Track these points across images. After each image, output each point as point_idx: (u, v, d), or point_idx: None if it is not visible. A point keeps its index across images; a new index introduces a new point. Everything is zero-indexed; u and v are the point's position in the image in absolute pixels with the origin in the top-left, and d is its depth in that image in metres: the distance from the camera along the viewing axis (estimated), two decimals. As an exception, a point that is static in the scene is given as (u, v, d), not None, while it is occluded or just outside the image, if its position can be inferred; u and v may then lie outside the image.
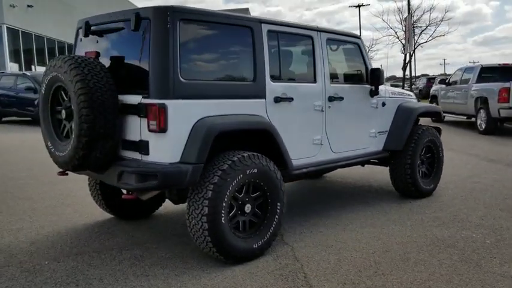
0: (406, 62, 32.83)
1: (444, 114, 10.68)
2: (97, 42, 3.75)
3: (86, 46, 3.80)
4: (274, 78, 3.84)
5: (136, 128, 3.30)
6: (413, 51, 33.10)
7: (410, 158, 5.05)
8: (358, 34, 5.03)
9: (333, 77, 4.50)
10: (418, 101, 6.29)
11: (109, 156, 3.36)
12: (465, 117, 13.28)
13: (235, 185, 3.33)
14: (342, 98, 4.43)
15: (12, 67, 21.21)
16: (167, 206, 4.62)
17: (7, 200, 5.34)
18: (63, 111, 3.43)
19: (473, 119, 12.38)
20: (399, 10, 38.54)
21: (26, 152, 8.85)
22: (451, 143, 9.30)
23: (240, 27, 3.66)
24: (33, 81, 13.65)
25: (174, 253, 3.67)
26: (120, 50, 3.66)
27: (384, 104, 5.02)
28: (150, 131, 3.20)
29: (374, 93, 4.81)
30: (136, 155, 3.35)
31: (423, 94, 26.00)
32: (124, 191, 3.92)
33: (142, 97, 3.23)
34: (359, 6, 44.01)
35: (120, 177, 3.26)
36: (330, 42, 4.45)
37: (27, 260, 3.54)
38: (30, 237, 4.06)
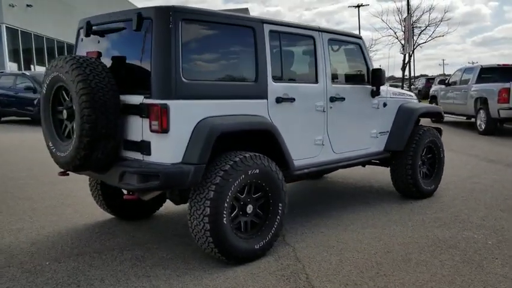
0: (406, 62, 32.86)
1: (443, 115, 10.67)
2: (98, 42, 3.74)
3: (87, 46, 3.79)
4: (276, 78, 3.84)
5: (138, 128, 3.29)
6: (413, 51, 33.14)
7: (412, 159, 5.05)
8: (360, 34, 5.02)
9: (335, 78, 4.49)
10: (419, 101, 6.28)
11: (110, 157, 3.35)
12: (465, 118, 13.30)
13: (237, 186, 3.32)
14: (343, 99, 4.43)
15: (11, 67, 21.18)
16: (168, 206, 4.61)
17: (7, 200, 5.32)
18: (65, 111, 3.42)
19: (473, 120, 12.39)
20: (398, 10, 38.69)
21: (25, 152, 8.83)
22: (450, 144, 9.30)
23: (242, 28, 3.65)
24: (33, 81, 13.63)
25: (176, 254, 3.66)
26: (122, 50, 3.65)
27: (385, 105, 5.02)
28: (152, 131, 3.19)
29: (375, 93, 4.81)
30: (137, 156, 3.34)
31: (422, 94, 25.98)
32: (125, 191, 3.91)
33: (144, 97, 3.22)
34: (358, 6, 44.05)
35: (122, 177, 3.25)
36: (331, 42, 4.44)
37: (28, 261, 3.53)
38: (30, 238, 4.05)
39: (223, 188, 3.23)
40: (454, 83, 13.83)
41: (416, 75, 45.75)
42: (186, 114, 3.25)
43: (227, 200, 3.27)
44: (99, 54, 3.51)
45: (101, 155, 3.28)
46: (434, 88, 16.26)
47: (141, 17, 3.27)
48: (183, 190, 3.62)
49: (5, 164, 7.61)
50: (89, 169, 3.44)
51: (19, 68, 21.58)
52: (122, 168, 3.27)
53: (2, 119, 14.75)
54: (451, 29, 56.51)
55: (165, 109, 3.13)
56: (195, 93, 3.31)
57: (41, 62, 24.40)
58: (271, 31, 3.83)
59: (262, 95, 3.73)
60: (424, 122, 5.71)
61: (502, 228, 4.22)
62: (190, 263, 3.47)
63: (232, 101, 3.54)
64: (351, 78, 4.84)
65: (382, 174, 6.21)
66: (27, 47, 23.44)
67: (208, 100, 3.38)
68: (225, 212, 3.26)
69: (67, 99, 3.43)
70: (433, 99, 15.46)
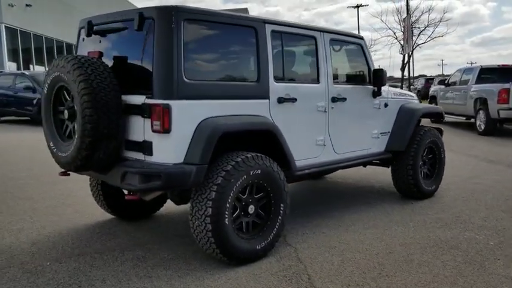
0: (405, 62, 32.90)
1: (444, 115, 10.66)
2: (100, 42, 3.73)
3: (89, 46, 3.78)
4: (277, 78, 3.83)
5: (140, 128, 3.28)
6: (412, 51, 33.16)
7: (413, 159, 5.04)
8: (361, 35, 5.01)
9: (336, 78, 4.48)
10: (420, 101, 6.28)
11: (112, 157, 3.34)
12: (464, 118, 13.30)
13: (238, 186, 3.31)
14: (344, 99, 4.42)
15: (10, 66, 21.14)
16: (168, 206, 4.60)
17: (7, 200, 5.31)
18: (66, 112, 3.41)
19: (472, 120, 12.40)
20: (398, 11, 38.68)
21: (25, 152, 8.81)
22: (450, 144, 9.29)
23: (243, 28, 3.65)
24: (32, 81, 13.60)
25: (177, 254, 3.65)
26: (123, 50, 3.63)
27: (386, 105, 5.01)
28: (153, 131, 3.18)
29: (377, 94, 4.80)
30: (139, 156, 3.33)
31: (422, 95, 25.99)
32: (126, 192, 3.90)
33: (146, 97, 3.21)
34: (357, 6, 44.06)
35: (124, 177, 3.24)
36: (333, 42, 4.44)
37: (29, 261, 3.52)
38: (31, 238, 4.03)
39: (225, 188, 3.22)
40: (454, 83, 13.84)
41: (415, 75, 45.80)
42: (188, 114, 3.24)
43: (229, 201, 3.26)
44: (101, 54, 3.50)
45: (103, 155, 3.27)
46: (434, 88, 16.27)
47: (143, 16, 3.26)
48: (184, 190, 3.61)
49: (4, 164, 7.59)
50: (90, 169, 3.43)
51: (18, 68, 21.55)
52: (124, 169, 3.25)
53: (1, 118, 14.72)
54: (450, 29, 56.34)
55: (167, 109, 3.12)
56: (197, 93, 3.30)
57: (40, 62, 24.36)
58: (273, 31, 3.82)
59: (264, 95, 3.72)
60: (424, 122, 5.70)
61: (503, 228, 4.22)
62: (191, 264, 3.46)
63: (234, 101, 3.53)
64: (352, 79, 4.84)
65: (382, 175, 6.20)
66: (26, 47, 23.40)
67: (210, 100, 3.37)
68: (226, 213, 3.25)
69: (68, 99, 3.42)
70: (433, 99, 15.47)
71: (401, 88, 28.66)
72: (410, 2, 32.63)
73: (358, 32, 42.58)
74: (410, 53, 31.87)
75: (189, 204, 3.42)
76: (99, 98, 3.14)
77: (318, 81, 4.22)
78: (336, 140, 4.38)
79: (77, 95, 3.17)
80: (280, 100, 3.81)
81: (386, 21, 52.35)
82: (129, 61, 3.54)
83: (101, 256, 3.61)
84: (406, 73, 33.88)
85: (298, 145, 3.98)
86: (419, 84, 32.54)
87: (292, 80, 4.09)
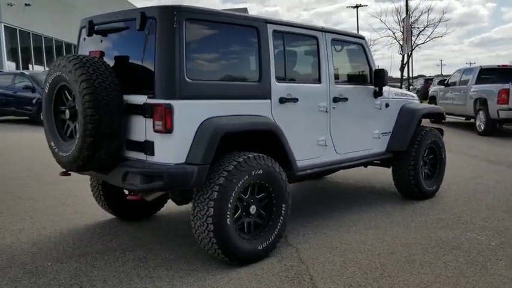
0: (404, 62, 32.91)
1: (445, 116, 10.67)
2: (101, 41, 3.72)
3: (90, 46, 3.77)
4: (279, 78, 3.82)
5: (142, 128, 3.27)
6: (411, 52, 33.18)
7: (414, 160, 5.04)
8: (363, 35, 5.01)
9: (338, 78, 4.48)
10: (421, 102, 6.27)
11: (113, 157, 3.33)
12: (464, 118, 13.30)
13: (240, 186, 3.30)
14: (346, 99, 4.41)
15: (9, 66, 21.11)
16: (169, 206, 4.59)
17: (7, 200, 5.29)
18: (67, 111, 3.40)
19: (472, 120, 12.40)
20: (397, 11, 38.68)
21: (25, 152, 8.79)
22: (450, 144, 9.27)
23: (245, 28, 3.64)
24: (31, 80, 13.57)
25: (178, 254, 3.64)
26: (125, 50, 3.63)
27: (387, 105, 5.01)
28: (155, 131, 3.17)
29: (378, 94, 4.80)
30: (141, 156, 3.32)
31: (421, 95, 26.00)
32: (127, 192, 3.89)
33: (148, 97, 3.20)
34: (357, 6, 44.10)
35: (125, 177, 3.23)
36: (334, 42, 4.43)
37: (30, 261, 3.50)
38: (32, 238, 4.02)
39: (226, 188, 3.22)
40: (454, 83, 13.84)
41: (414, 75, 45.81)
42: (190, 114, 3.23)
43: (230, 201, 3.25)
44: (102, 53, 3.49)
45: (104, 155, 3.26)
46: (434, 89, 16.27)
47: (144, 16, 3.25)
48: (185, 190, 3.61)
49: (4, 164, 7.57)
50: (91, 169, 3.42)
51: (17, 67, 21.52)
52: (125, 169, 3.25)
53: (1, 118, 14.70)
54: (449, 29, 56.70)
55: (169, 109, 3.11)
56: (199, 93, 3.29)
57: (39, 62, 24.32)
58: (274, 31, 3.81)
59: (266, 95, 3.71)
60: (423, 122, 5.70)
61: (505, 229, 4.22)
62: (193, 264, 3.45)
63: (236, 101, 3.52)
64: (353, 79, 4.83)
65: (383, 175, 6.20)
66: (26, 46, 23.36)
67: (212, 100, 3.36)
68: (228, 213, 3.24)
69: (70, 98, 3.41)
70: (432, 99, 15.46)
71: (401, 88, 28.65)
72: (409, 2, 32.65)
73: (358, 32, 42.57)
74: (409, 53, 31.88)
75: (190, 205, 3.41)
76: (101, 97, 3.13)
77: (319, 81, 4.22)
78: (338, 140, 4.37)
79: (79, 95, 3.16)
80: (282, 100, 3.81)
81: (385, 22, 52.35)
82: (130, 61, 3.54)
83: (102, 256, 3.60)
84: (405, 73, 33.90)
85: (300, 145, 3.97)
86: (418, 84, 32.54)
87: (293, 80, 4.08)
